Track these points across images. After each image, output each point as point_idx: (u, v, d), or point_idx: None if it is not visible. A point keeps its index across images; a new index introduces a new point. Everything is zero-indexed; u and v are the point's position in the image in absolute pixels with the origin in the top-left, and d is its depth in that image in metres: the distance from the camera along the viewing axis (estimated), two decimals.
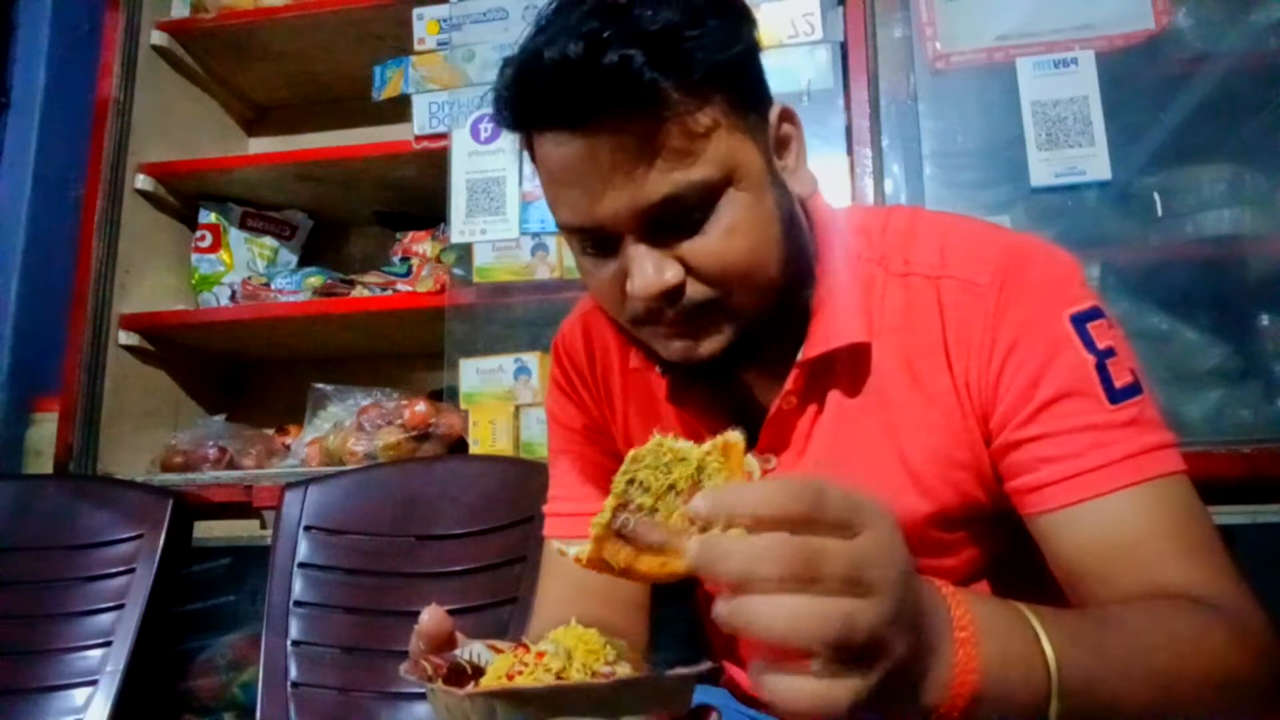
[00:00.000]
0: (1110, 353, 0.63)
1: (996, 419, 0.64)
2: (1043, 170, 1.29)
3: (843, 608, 0.37)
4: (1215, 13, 1.31)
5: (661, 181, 0.58)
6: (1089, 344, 0.63)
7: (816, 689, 0.38)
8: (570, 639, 0.51)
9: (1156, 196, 1.29)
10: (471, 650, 0.55)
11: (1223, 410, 1.23)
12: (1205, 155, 1.29)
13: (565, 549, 0.47)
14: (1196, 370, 1.24)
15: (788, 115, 0.67)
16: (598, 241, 0.62)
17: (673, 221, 0.60)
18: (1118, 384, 0.62)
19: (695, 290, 0.61)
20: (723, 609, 0.38)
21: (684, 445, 0.46)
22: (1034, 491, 0.62)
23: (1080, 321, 0.63)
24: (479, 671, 0.52)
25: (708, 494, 0.41)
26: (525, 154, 0.66)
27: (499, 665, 0.50)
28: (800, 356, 0.68)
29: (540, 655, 0.49)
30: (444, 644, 0.55)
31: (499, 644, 0.56)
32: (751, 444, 0.70)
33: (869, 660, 0.38)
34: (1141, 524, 0.59)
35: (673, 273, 0.60)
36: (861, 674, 0.38)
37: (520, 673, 0.48)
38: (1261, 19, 1.29)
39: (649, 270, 0.59)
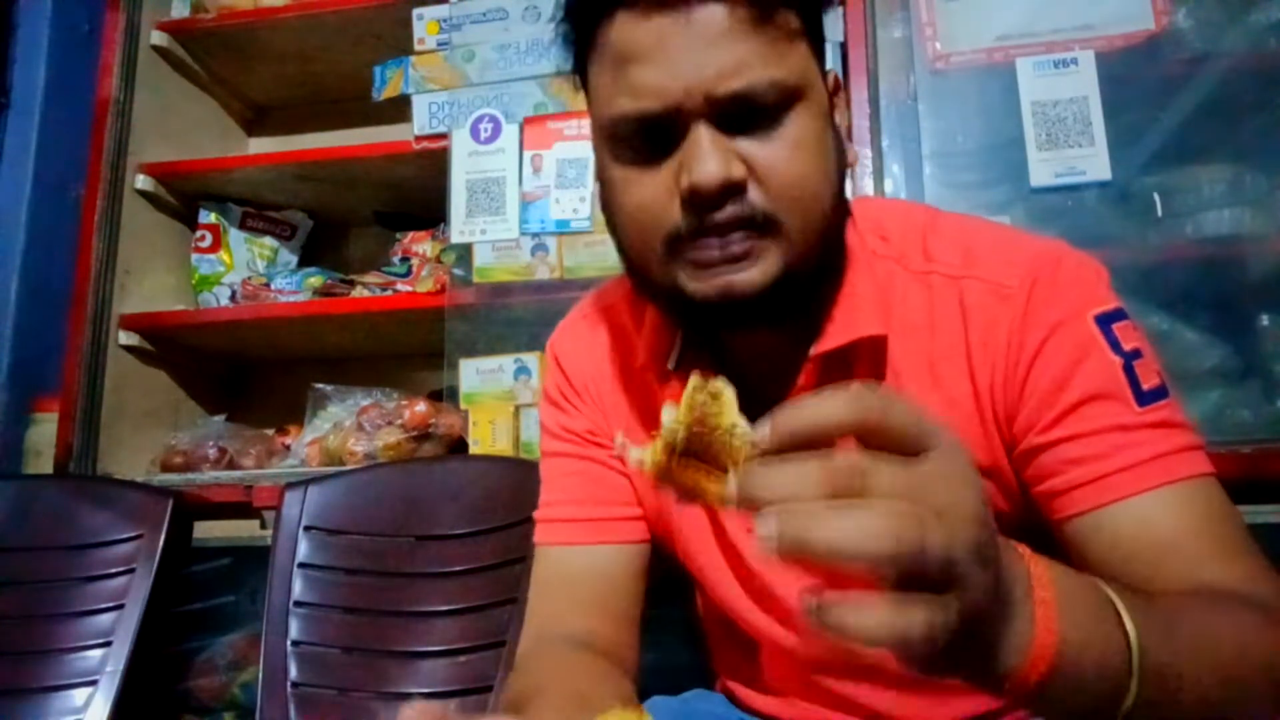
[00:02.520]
0: (1137, 354, 0.61)
1: (1021, 422, 0.63)
2: (1043, 170, 1.29)
3: (917, 514, 0.33)
4: (1215, 13, 1.30)
5: (747, 69, 0.57)
6: (1115, 346, 0.61)
7: (887, 615, 0.33)
8: None
9: (1156, 196, 1.29)
10: None
11: (1223, 410, 1.23)
12: (1205, 155, 1.29)
13: (631, 453, 0.42)
14: (1196, 370, 1.24)
15: (838, 83, 0.67)
16: (653, 134, 0.59)
17: (746, 117, 0.58)
18: (1145, 386, 0.61)
19: (755, 196, 0.59)
20: (769, 524, 0.33)
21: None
22: (1062, 495, 0.61)
23: (1106, 323, 0.62)
24: None
25: (769, 416, 0.36)
26: (570, 77, 0.65)
27: None
28: (816, 349, 0.66)
29: None
30: None
31: None
32: None
33: (946, 587, 0.34)
34: (1174, 525, 0.57)
35: (738, 168, 0.58)
36: (941, 604, 0.34)
37: None
38: (1261, 19, 1.29)
39: (713, 158, 0.57)
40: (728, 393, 0.41)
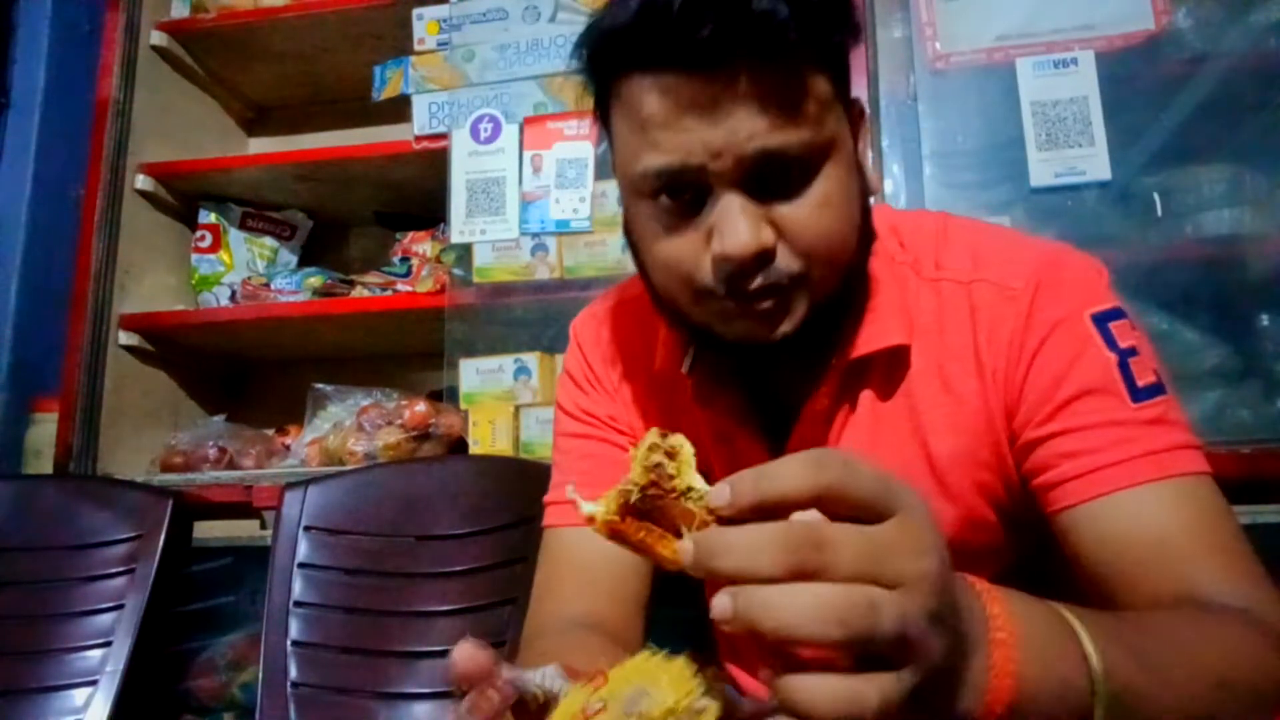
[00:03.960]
0: (1132, 352, 0.63)
1: (1020, 417, 0.65)
2: (1042, 170, 1.29)
3: (868, 595, 0.33)
4: (1215, 13, 1.31)
5: (777, 134, 0.56)
6: (1110, 343, 0.63)
7: (840, 687, 0.34)
8: (652, 672, 0.43)
9: (1156, 196, 1.30)
10: (545, 674, 0.46)
11: (1223, 410, 1.24)
12: (1205, 155, 1.29)
13: (583, 506, 0.41)
14: (1196, 370, 1.24)
15: (862, 111, 0.67)
16: (683, 191, 0.59)
17: (774, 180, 0.58)
18: (1140, 383, 0.62)
19: (784, 260, 0.59)
20: (724, 604, 0.34)
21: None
22: (1056, 488, 0.62)
23: (1101, 321, 0.64)
24: (550, 702, 0.45)
25: (729, 481, 0.36)
26: (593, 115, 0.64)
27: (571, 703, 0.43)
28: (840, 359, 0.68)
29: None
30: (486, 681, 0.48)
31: (570, 670, 0.47)
32: (779, 444, 0.71)
33: (900, 659, 0.35)
34: (1165, 521, 0.58)
35: (768, 234, 0.58)
36: (896, 677, 0.34)
37: (599, 711, 0.41)
38: (1261, 19, 1.29)
39: (744, 228, 0.57)
40: (686, 450, 0.40)
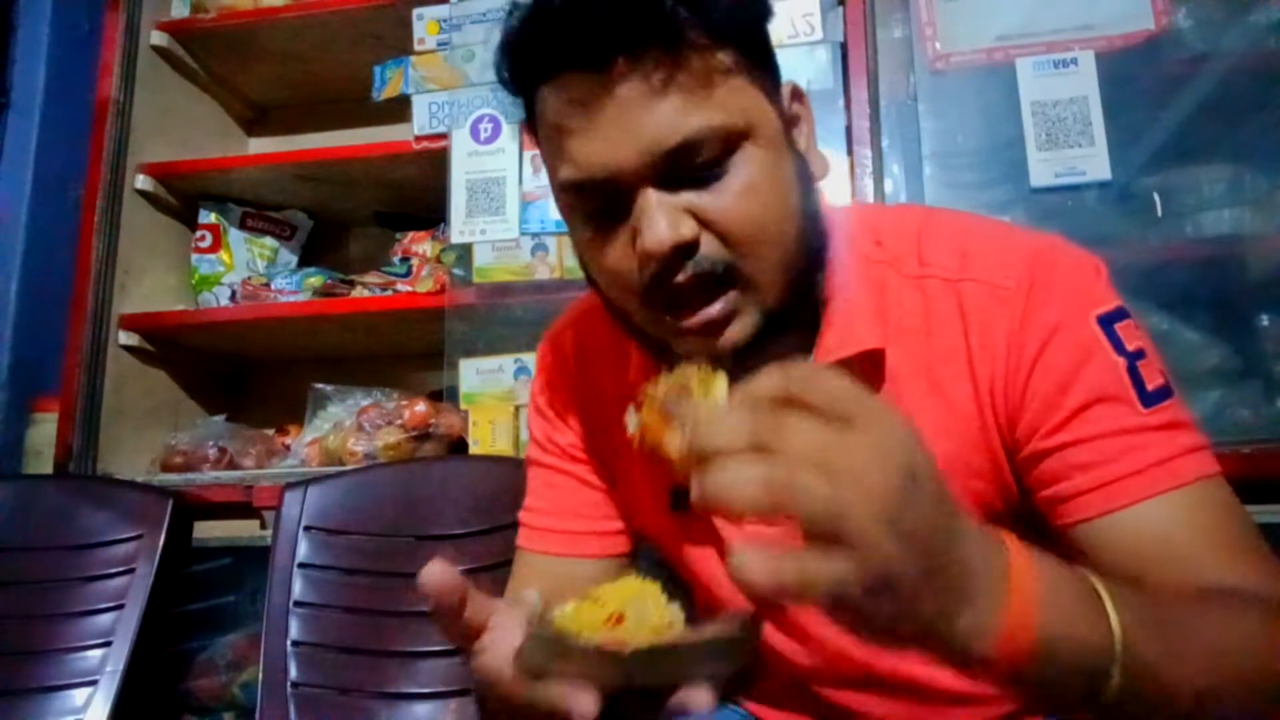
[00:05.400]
0: (1140, 354, 0.60)
1: (1024, 427, 0.62)
2: (1043, 170, 1.29)
3: (802, 476, 0.36)
4: (1215, 13, 1.31)
5: (681, 123, 0.55)
6: (1118, 346, 0.60)
7: (773, 561, 0.36)
8: (633, 593, 0.50)
9: (1156, 196, 1.29)
10: (526, 594, 0.53)
11: (1223, 410, 1.24)
12: (1205, 155, 1.29)
13: (630, 418, 0.48)
14: (1196, 370, 1.24)
15: (798, 93, 0.65)
16: (605, 199, 0.58)
17: (689, 171, 0.56)
18: (1150, 386, 0.59)
19: (710, 248, 0.57)
20: (695, 489, 0.38)
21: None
22: (1069, 500, 0.59)
23: (1108, 322, 0.61)
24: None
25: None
26: (526, 131, 0.64)
27: (586, 613, 0.49)
28: (811, 363, 0.65)
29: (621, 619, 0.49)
30: (457, 604, 0.51)
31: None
32: None
33: (837, 551, 0.36)
34: (1183, 529, 0.56)
35: (688, 226, 0.56)
36: (827, 562, 0.36)
37: (620, 620, 0.48)
38: (1261, 19, 1.29)
39: (661, 223, 0.56)
40: (720, 383, 0.46)
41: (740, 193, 0.57)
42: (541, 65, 0.58)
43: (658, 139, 0.55)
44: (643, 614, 0.48)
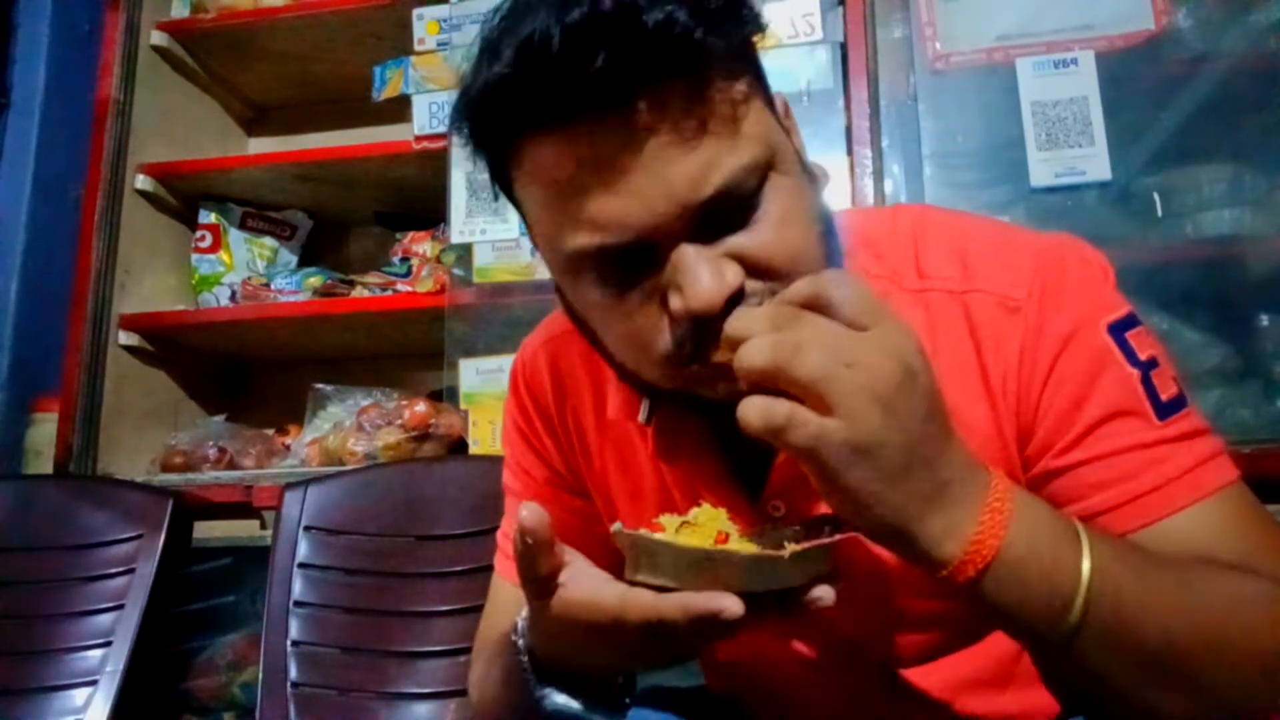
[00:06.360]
0: (1153, 363, 0.57)
1: (1036, 444, 0.58)
2: (1043, 170, 1.29)
3: (803, 343, 0.42)
4: (1215, 13, 1.31)
5: (716, 167, 0.49)
6: (1131, 356, 0.57)
7: (781, 406, 0.42)
8: (716, 518, 0.53)
9: (1156, 196, 1.29)
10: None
11: (1223, 410, 1.24)
12: (1205, 155, 1.29)
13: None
14: (1196, 370, 1.24)
15: (786, 106, 0.61)
16: (628, 262, 0.51)
17: (726, 215, 0.50)
18: (1164, 397, 0.57)
19: (754, 285, 0.51)
20: (736, 360, 0.44)
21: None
22: (1088, 521, 0.55)
23: (1119, 331, 0.58)
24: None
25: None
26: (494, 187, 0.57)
27: (698, 533, 0.51)
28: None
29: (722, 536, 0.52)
30: (549, 540, 0.49)
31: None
32: (755, 488, 0.64)
33: (827, 414, 0.42)
34: (1207, 539, 0.54)
35: (733, 273, 0.50)
36: (814, 415, 0.42)
37: (726, 538, 0.51)
38: (1261, 19, 1.29)
39: (705, 277, 0.48)
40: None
41: (778, 225, 0.52)
42: (538, 112, 0.49)
43: (693, 189, 0.49)
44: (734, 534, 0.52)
